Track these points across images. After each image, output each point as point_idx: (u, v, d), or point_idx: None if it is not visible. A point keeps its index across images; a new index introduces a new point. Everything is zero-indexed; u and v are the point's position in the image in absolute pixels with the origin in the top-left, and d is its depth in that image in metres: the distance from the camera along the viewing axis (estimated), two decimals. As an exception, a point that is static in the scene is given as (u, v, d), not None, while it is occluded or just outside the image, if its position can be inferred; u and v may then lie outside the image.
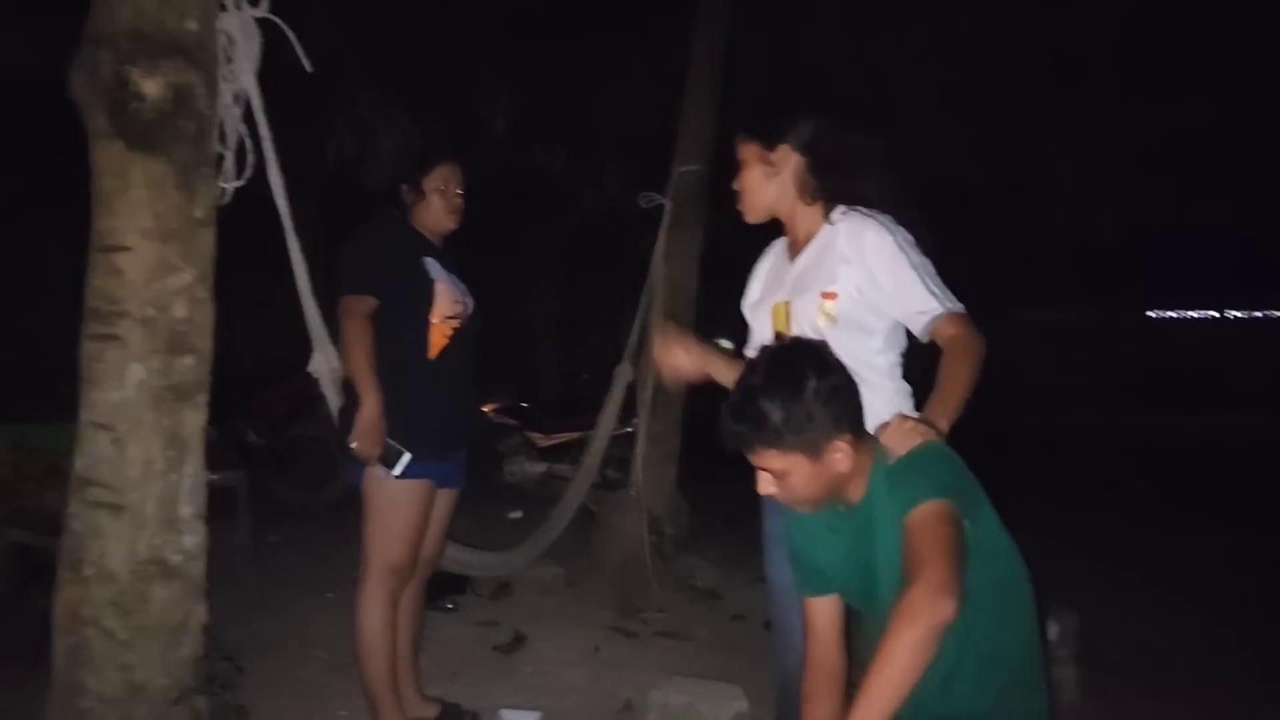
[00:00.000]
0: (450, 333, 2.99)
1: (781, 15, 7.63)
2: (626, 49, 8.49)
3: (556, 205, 12.25)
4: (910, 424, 1.83)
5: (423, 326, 2.94)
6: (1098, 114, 9.22)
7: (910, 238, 2.12)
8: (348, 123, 10.01)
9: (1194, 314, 21.93)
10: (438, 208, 3.05)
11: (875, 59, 7.97)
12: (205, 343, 2.32)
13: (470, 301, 3.11)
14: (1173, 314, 21.93)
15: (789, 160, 2.21)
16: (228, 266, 2.43)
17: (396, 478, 2.84)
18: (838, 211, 2.17)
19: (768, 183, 2.23)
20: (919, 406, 2.13)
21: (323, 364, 3.01)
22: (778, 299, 2.23)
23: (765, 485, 1.82)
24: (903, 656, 1.55)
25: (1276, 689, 3.99)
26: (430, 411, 2.94)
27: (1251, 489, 8.90)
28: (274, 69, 2.60)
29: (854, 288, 2.10)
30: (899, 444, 1.79)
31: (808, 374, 1.75)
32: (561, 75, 9.19)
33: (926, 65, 8.02)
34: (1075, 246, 12.25)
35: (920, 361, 2.22)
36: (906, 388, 2.22)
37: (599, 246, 13.03)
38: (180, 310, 2.24)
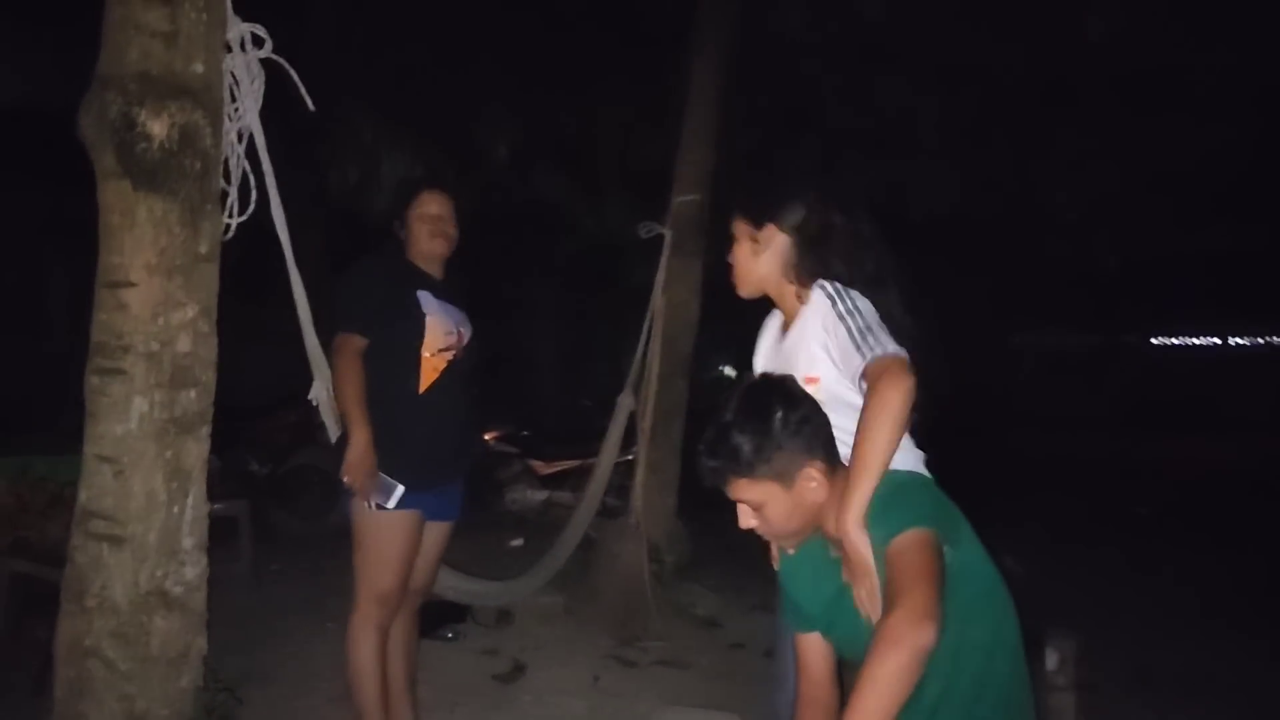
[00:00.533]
0: (443, 366, 3.03)
1: (781, 47, 7.71)
2: (627, 77, 8.58)
3: (558, 233, 12.32)
4: (857, 580, 1.80)
5: (413, 361, 2.99)
6: (1099, 141, 9.28)
7: (858, 302, 2.06)
8: (351, 152, 10.11)
9: (1197, 340, 21.92)
10: (422, 235, 3.10)
11: (875, 91, 8.05)
12: (208, 376, 2.35)
13: (467, 331, 3.14)
14: (1175, 340, 21.93)
15: (775, 239, 2.21)
16: (231, 296, 2.48)
17: (390, 508, 2.88)
18: (818, 291, 2.14)
19: (755, 260, 2.24)
20: (933, 464, 2.12)
21: (322, 392, 3.05)
22: None
23: (745, 519, 1.87)
24: (885, 682, 1.55)
25: (1271, 712, 4.00)
26: (418, 444, 2.97)
27: (1254, 514, 8.88)
28: (278, 101, 2.65)
29: (831, 364, 2.07)
30: (868, 602, 1.79)
31: (775, 406, 1.83)
32: (562, 104, 9.28)
33: (926, 96, 8.10)
34: (1078, 273, 12.31)
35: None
36: (915, 454, 2.13)
37: (600, 274, 13.10)
38: (184, 344, 2.28)
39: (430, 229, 3.09)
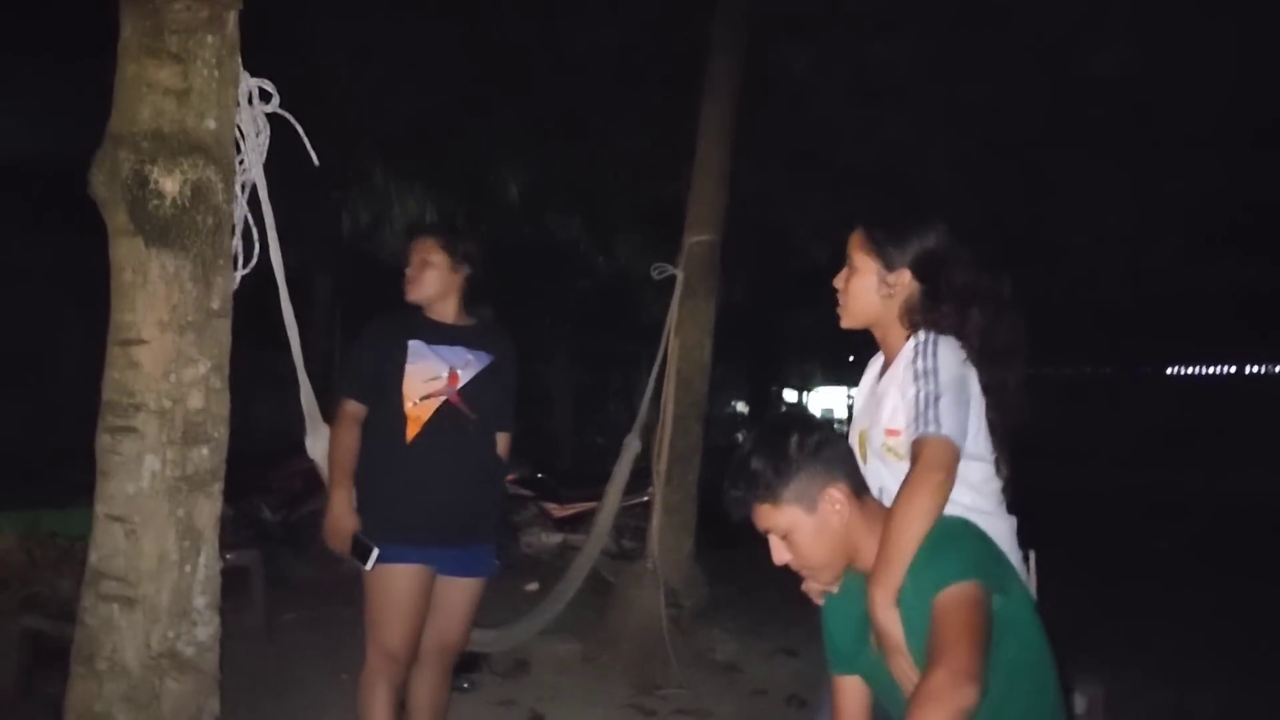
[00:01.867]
0: (429, 414, 2.99)
1: (791, 87, 7.76)
2: (638, 119, 8.64)
3: (571, 273, 12.37)
4: (890, 658, 1.78)
5: (396, 413, 2.99)
6: (1111, 174, 9.29)
7: (939, 361, 1.94)
8: (363, 194, 10.20)
9: (1213, 369, 21.78)
10: (412, 283, 3.12)
11: (884, 129, 8.08)
12: (221, 432, 2.33)
13: (470, 372, 3.06)
14: (1191, 370, 21.80)
15: (905, 285, 2.07)
16: (244, 341, 2.46)
17: (368, 569, 2.93)
18: (911, 339, 2.04)
19: (877, 299, 2.09)
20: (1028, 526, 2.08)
21: (319, 446, 3.05)
22: (863, 426, 2.13)
23: (778, 553, 1.87)
24: None
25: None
26: (410, 497, 2.96)
27: (1274, 546, 8.75)
28: (290, 146, 2.66)
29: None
30: (902, 678, 1.76)
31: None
32: (575, 146, 9.35)
33: (936, 133, 8.12)
34: (1092, 305, 12.27)
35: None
36: (1008, 521, 2.07)
37: (613, 313, 13.12)
38: (196, 401, 2.25)
39: (424, 275, 3.09)
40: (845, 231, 2.22)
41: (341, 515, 2.94)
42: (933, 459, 1.83)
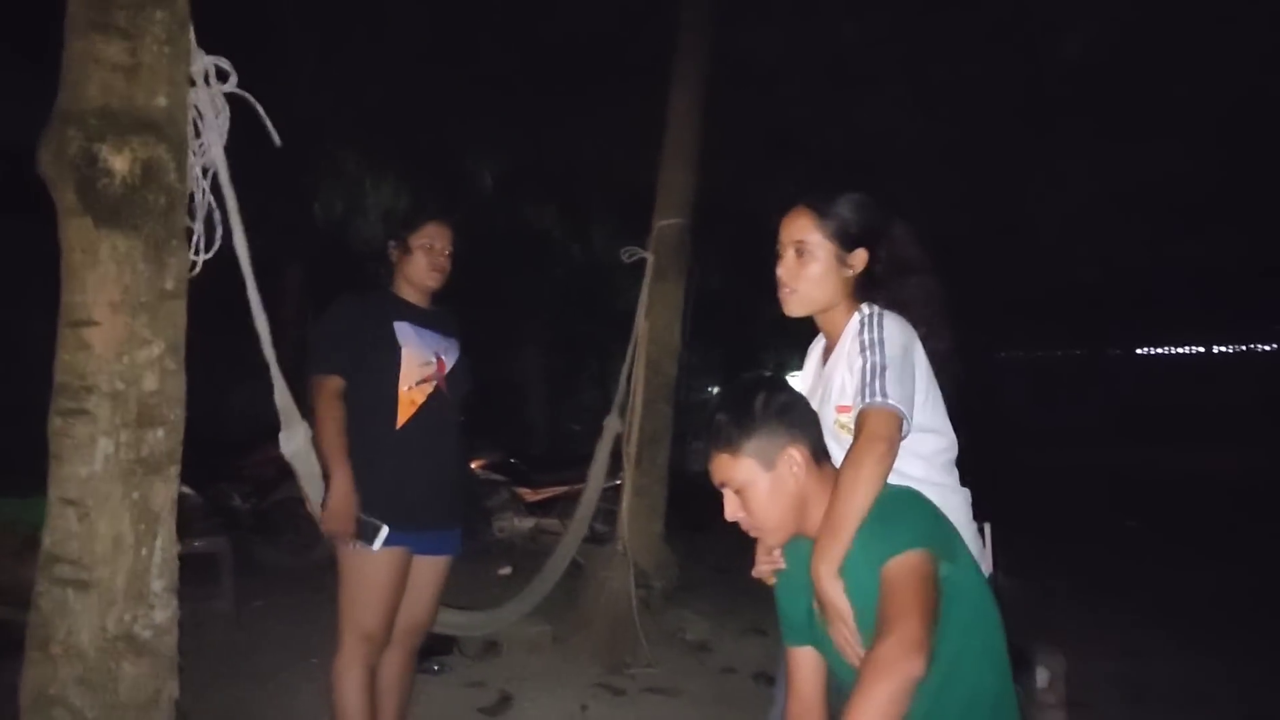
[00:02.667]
0: (422, 398, 2.99)
1: (761, 72, 7.76)
2: (612, 105, 8.62)
3: (544, 260, 12.34)
4: (833, 627, 1.79)
5: (390, 396, 2.95)
6: (1080, 157, 9.35)
7: (885, 333, 1.96)
8: (335, 182, 10.12)
9: (1182, 350, 22.01)
10: (422, 265, 3.07)
11: (856, 114, 8.10)
12: (176, 414, 2.30)
13: (451, 357, 3.09)
14: (1160, 350, 22.02)
15: (862, 262, 2.09)
16: (215, 329, 2.44)
17: (375, 550, 2.85)
18: (855, 314, 2.06)
19: (837, 280, 2.09)
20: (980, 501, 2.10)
21: (293, 443, 2.92)
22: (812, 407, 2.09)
23: (731, 509, 1.87)
24: (875, 711, 1.55)
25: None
26: (401, 482, 2.94)
27: (1240, 524, 8.88)
28: (257, 135, 2.63)
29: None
30: (845, 648, 1.78)
31: (759, 390, 1.88)
32: (547, 132, 9.32)
33: (907, 118, 8.14)
34: (1062, 286, 12.37)
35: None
36: (960, 495, 2.09)
37: (586, 299, 13.11)
38: (150, 383, 2.22)
39: (430, 261, 3.07)
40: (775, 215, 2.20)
41: (346, 496, 2.84)
42: (876, 429, 1.84)
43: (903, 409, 1.87)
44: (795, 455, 1.83)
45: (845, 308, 2.10)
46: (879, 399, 1.86)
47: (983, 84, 8.22)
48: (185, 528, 2.40)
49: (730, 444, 1.83)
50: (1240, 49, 7.74)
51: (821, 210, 2.10)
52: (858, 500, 1.78)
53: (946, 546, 1.75)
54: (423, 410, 2.99)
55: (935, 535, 1.75)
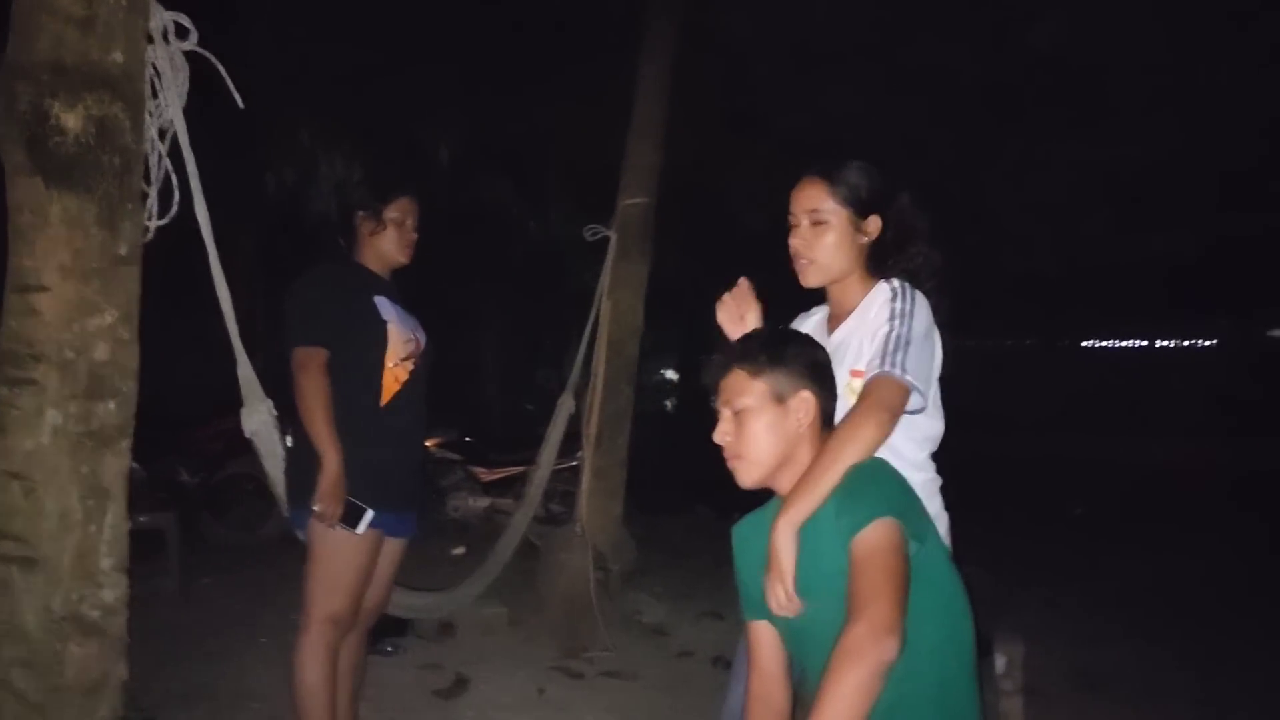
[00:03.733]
0: (405, 376, 2.91)
1: (728, 52, 7.70)
2: (573, 79, 8.51)
3: (502, 236, 12.20)
4: (770, 582, 1.77)
5: (375, 373, 2.86)
6: (1037, 149, 9.44)
7: (916, 307, 1.99)
8: (288, 152, 9.89)
9: (1126, 343, 22.46)
10: (393, 240, 2.98)
11: (821, 97, 8.08)
12: (128, 386, 2.20)
13: (422, 337, 3.02)
14: (1106, 343, 22.45)
15: (876, 230, 2.10)
16: (162, 300, 2.34)
17: (358, 533, 2.77)
18: (883, 284, 2.07)
19: (852, 250, 2.09)
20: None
21: (255, 419, 2.83)
22: None
23: (723, 430, 1.85)
24: (847, 699, 1.52)
25: (1214, 714, 4.05)
26: (387, 465, 2.85)
27: (1182, 514, 9.08)
28: (210, 99, 2.52)
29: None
30: (776, 605, 1.77)
31: (795, 340, 1.91)
32: (508, 106, 9.18)
33: (872, 102, 8.15)
34: (1019, 278, 12.52)
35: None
36: (934, 483, 2.09)
37: (544, 278, 13.00)
38: (101, 352, 2.13)
39: (402, 237, 2.98)
40: (786, 191, 2.19)
41: (338, 477, 2.71)
42: (886, 397, 1.84)
43: (915, 385, 1.88)
44: (808, 398, 1.83)
45: (859, 278, 2.11)
46: (897, 371, 1.87)
47: (949, 71, 8.24)
48: (131, 503, 2.30)
49: (754, 363, 1.83)
50: (1203, 46, 7.85)
51: (833, 178, 2.10)
52: (844, 459, 1.76)
53: (916, 523, 1.72)
54: (404, 389, 2.90)
55: (904, 508, 1.72)
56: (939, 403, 2.09)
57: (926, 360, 1.94)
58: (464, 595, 4.51)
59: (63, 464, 2.09)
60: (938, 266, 2.12)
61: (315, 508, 2.71)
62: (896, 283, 2.04)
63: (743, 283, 2.24)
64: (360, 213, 2.97)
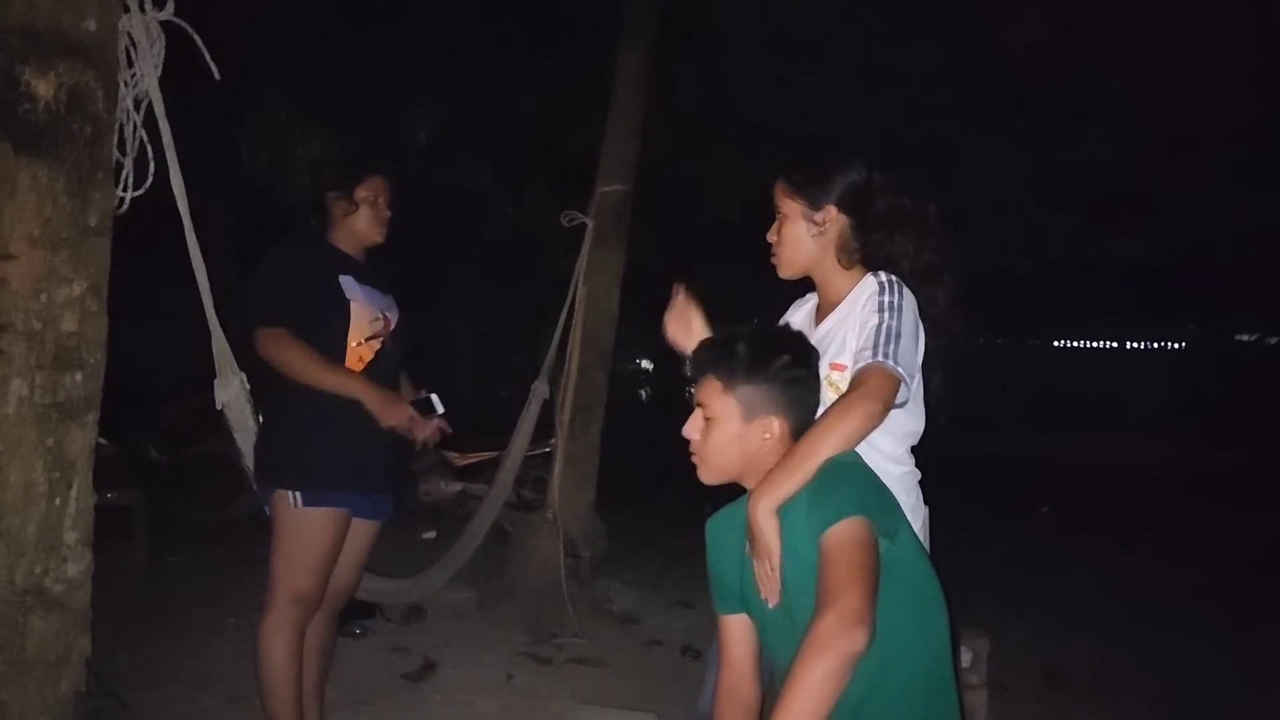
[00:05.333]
0: (370, 355, 2.88)
1: (706, 42, 7.69)
2: (552, 65, 8.47)
3: (477, 221, 12.13)
4: (758, 559, 1.78)
5: (339, 351, 2.83)
6: (1010, 148, 9.49)
7: (904, 301, 1.98)
8: (263, 129, 9.78)
9: (1097, 344, 22.68)
10: (366, 219, 2.95)
11: (797, 91, 8.08)
12: (96, 358, 2.18)
13: (394, 316, 3.00)
14: (1077, 343, 22.66)
15: (834, 221, 2.09)
16: (131, 274, 2.31)
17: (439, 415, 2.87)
18: (870, 277, 2.05)
19: (810, 241, 2.10)
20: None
21: (227, 391, 2.80)
22: None
23: (692, 426, 1.87)
24: (814, 688, 1.52)
25: (1174, 710, 4.11)
26: (350, 438, 2.81)
27: (1149, 511, 9.20)
28: (185, 72, 2.48)
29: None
30: (764, 582, 1.78)
31: (786, 351, 1.87)
32: (485, 89, 9.13)
33: (845, 97, 8.16)
34: (987, 276, 12.60)
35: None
36: (912, 476, 2.10)
37: (519, 263, 12.94)
38: (69, 323, 2.10)
39: (375, 215, 2.96)
40: (760, 188, 2.21)
41: (381, 395, 2.76)
42: (877, 388, 1.84)
43: (905, 377, 1.88)
44: (774, 427, 1.82)
45: (836, 269, 2.11)
46: (890, 362, 1.87)
47: (924, 68, 8.27)
48: (98, 478, 2.29)
49: (729, 376, 1.83)
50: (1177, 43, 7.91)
51: (789, 175, 2.13)
52: (827, 446, 1.77)
53: (887, 521, 1.72)
54: (370, 368, 2.87)
55: (875, 507, 1.72)
56: (921, 400, 2.09)
57: (914, 354, 1.95)
58: (433, 580, 4.49)
59: (28, 436, 2.07)
60: (911, 251, 2.08)
61: (390, 424, 2.77)
62: (884, 276, 2.03)
63: (678, 291, 2.25)
64: (332, 194, 2.93)
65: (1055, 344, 22.68)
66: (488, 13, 8.39)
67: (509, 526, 5.35)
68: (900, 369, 1.87)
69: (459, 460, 7.91)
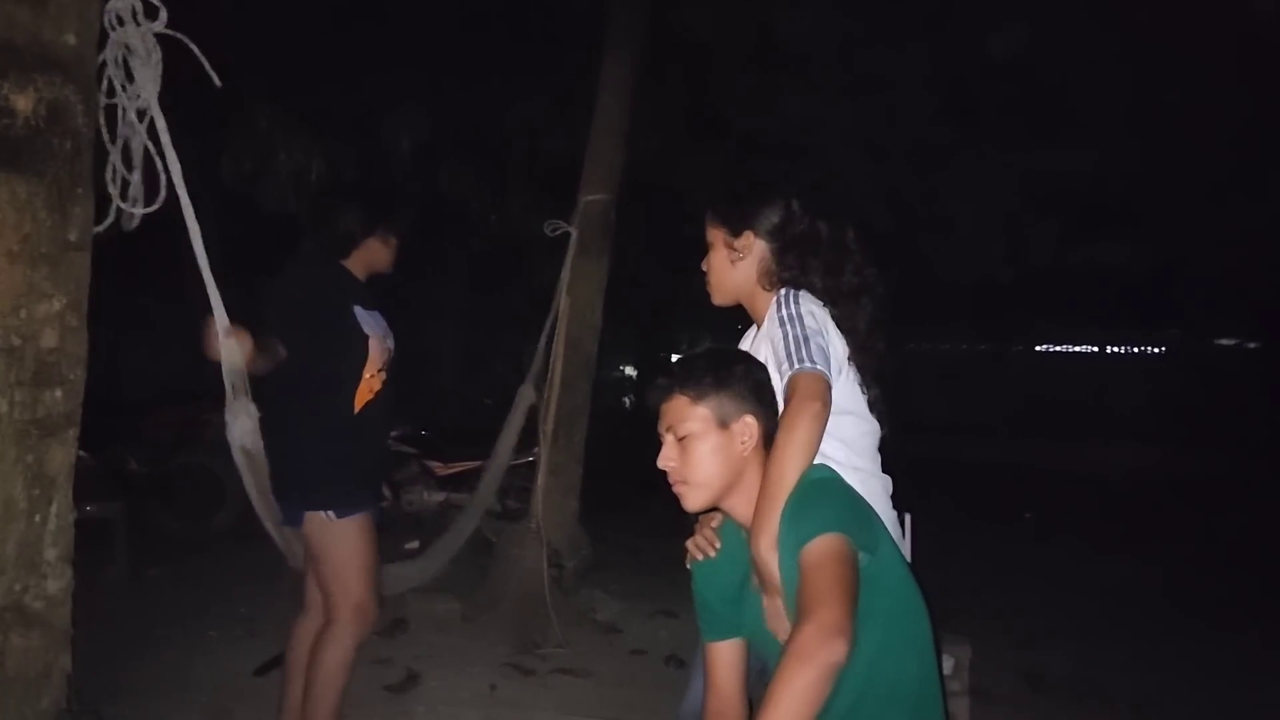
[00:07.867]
0: (379, 385, 2.97)
1: (691, 51, 7.71)
2: (536, 74, 8.47)
3: (462, 230, 12.11)
4: (767, 594, 1.80)
5: (351, 381, 2.90)
6: (994, 156, 9.56)
7: (801, 309, 2.01)
8: (245, 138, 9.74)
9: (1078, 349, 22.80)
10: (387, 258, 3.10)
11: (782, 99, 8.11)
12: (76, 374, 2.17)
13: (392, 342, 3.07)
14: (1059, 348, 22.77)
15: (753, 247, 2.17)
16: (112, 286, 2.30)
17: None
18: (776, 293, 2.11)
19: (733, 268, 2.19)
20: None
21: (238, 426, 2.63)
22: None
23: (667, 455, 1.86)
24: (795, 699, 1.53)
25: (1155, 714, 4.14)
26: (363, 460, 2.95)
27: (1129, 518, 9.25)
28: (165, 80, 2.48)
29: (775, 372, 2.00)
30: (773, 618, 1.80)
31: (741, 361, 1.94)
32: (470, 97, 9.12)
33: (831, 105, 8.19)
34: (970, 283, 12.68)
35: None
36: (881, 480, 2.12)
37: (503, 272, 12.92)
38: (49, 339, 2.09)
39: (393, 254, 3.11)
40: None
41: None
42: (809, 389, 1.86)
43: (829, 374, 1.91)
44: (751, 423, 1.84)
45: (764, 294, 2.16)
46: (807, 364, 1.90)
47: (908, 77, 8.32)
48: (77, 491, 2.27)
49: (697, 388, 1.84)
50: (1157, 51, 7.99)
51: (714, 205, 2.24)
52: (795, 461, 1.79)
53: (866, 534, 1.74)
54: (377, 396, 2.97)
55: (853, 522, 1.74)
56: (855, 396, 2.10)
57: (826, 349, 1.97)
58: (410, 575, 4.45)
59: (8, 452, 2.05)
60: (825, 272, 2.12)
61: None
62: (780, 291, 2.09)
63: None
64: (378, 230, 3.05)
65: (1038, 349, 22.78)
66: (472, 21, 8.39)
67: (493, 536, 5.34)
68: (819, 366, 1.90)
69: (442, 470, 7.89)
